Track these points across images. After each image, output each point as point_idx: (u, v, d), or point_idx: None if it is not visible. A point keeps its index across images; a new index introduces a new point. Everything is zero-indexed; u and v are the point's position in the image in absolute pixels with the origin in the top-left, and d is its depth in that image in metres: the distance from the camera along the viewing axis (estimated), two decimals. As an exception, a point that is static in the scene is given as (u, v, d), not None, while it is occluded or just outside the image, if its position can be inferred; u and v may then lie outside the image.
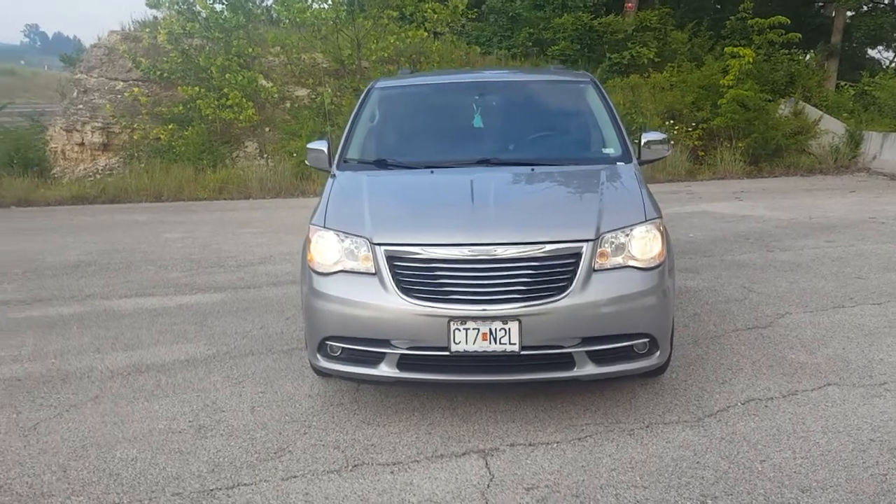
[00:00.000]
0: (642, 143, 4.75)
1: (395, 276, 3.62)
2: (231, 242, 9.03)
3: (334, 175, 4.55)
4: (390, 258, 3.65)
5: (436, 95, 5.36)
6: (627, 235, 3.74)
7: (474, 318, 3.52)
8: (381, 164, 4.64)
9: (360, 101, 5.17)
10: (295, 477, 3.37)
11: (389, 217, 3.90)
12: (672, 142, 4.95)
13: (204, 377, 4.61)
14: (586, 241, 3.64)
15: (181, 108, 16.07)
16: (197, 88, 15.85)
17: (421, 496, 3.18)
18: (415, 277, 3.61)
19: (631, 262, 3.72)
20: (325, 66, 17.49)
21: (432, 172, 4.41)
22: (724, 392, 4.21)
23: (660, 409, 4.00)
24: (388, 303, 3.61)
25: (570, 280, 3.58)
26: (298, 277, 6.92)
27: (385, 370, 3.70)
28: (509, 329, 3.52)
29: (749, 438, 3.64)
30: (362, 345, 3.72)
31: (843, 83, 22.19)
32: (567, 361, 3.64)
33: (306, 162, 5.11)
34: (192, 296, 6.57)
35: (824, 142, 15.83)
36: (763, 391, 4.21)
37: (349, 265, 3.78)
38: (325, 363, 3.85)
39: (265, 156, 16.69)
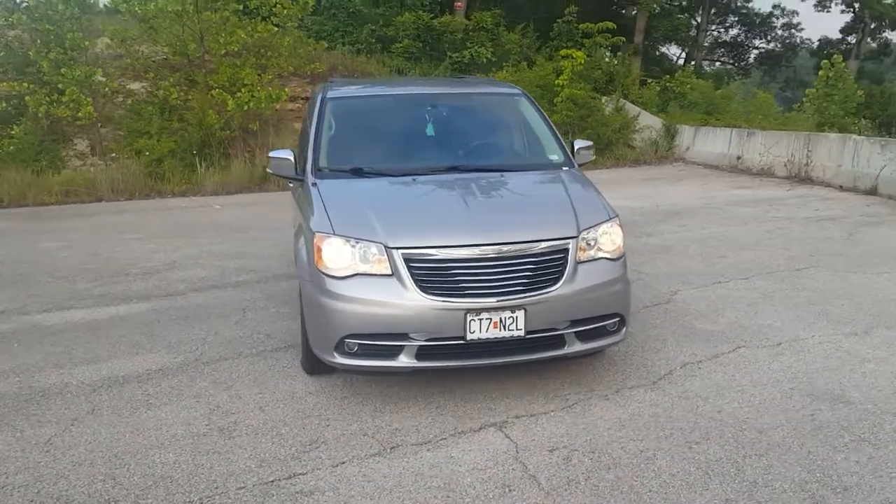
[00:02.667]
0: (575, 149, 5.46)
1: (413, 276, 4.05)
2: (120, 250, 8.78)
3: (315, 184, 4.84)
4: (407, 260, 4.07)
5: (390, 106, 5.76)
6: (597, 232, 4.42)
7: (488, 310, 4.04)
8: (357, 173, 4.98)
9: (317, 111, 5.45)
10: (343, 463, 3.73)
11: (398, 223, 4.29)
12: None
13: (190, 384, 4.75)
14: (571, 237, 4.28)
15: (3, 104, 14.93)
16: (25, 84, 14.78)
17: (466, 466, 3.67)
18: (432, 276, 4.06)
19: (601, 255, 4.41)
20: (164, 58, 16.92)
21: (414, 180, 4.84)
22: (661, 359, 5.03)
23: (619, 377, 4.73)
24: (409, 301, 4.03)
25: (562, 272, 4.20)
26: (219, 283, 7.10)
27: (404, 361, 4.12)
28: (517, 317, 4.08)
29: (700, 394, 4.46)
30: (382, 340, 4.12)
31: (649, 80, 24.63)
32: (560, 342, 4.27)
33: (269, 170, 5.32)
34: (118, 307, 6.49)
35: (646, 136, 17.68)
36: (691, 356, 5.07)
37: (362, 268, 4.15)
38: (342, 359, 4.19)
39: (107, 155, 15.89)
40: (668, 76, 24.49)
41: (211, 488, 3.53)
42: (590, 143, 5.63)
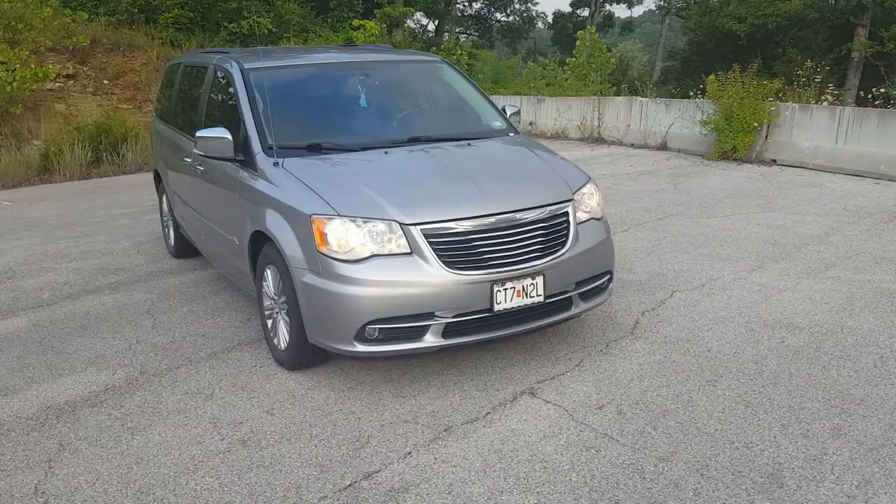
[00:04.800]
0: (508, 115, 5.51)
1: (436, 252, 3.88)
2: (-75, 260, 7.34)
3: (277, 163, 4.41)
4: (428, 236, 3.88)
5: (320, 76, 5.35)
6: (583, 194, 4.53)
7: (512, 279, 3.99)
8: (315, 149, 4.61)
9: (240, 84, 4.93)
10: (409, 453, 3.51)
11: (406, 198, 4.03)
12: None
13: (159, 399, 4.17)
14: (569, 200, 4.35)
15: None
16: None
17: (536, 435, 3.62)
18: (456, 251, 3.91)
19: (589, 216, 4.53)
20: None
21: (387, 153, 4.59)
22: (618, 310, 5.28)
23: (597, 332, 4.91)
24: (435, 278, 3.86)
25: (567, 234, 4.26)
26: (89, 287, 6.23)
27: (430, 340, 3.94)
28: (537, 283, 4.08)
29: (679, 338, 4.78)
30: (406, 322, 3.90)
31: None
32: (568, 304, 4.33)
33: (197, 151, 4.75)
34: (-16, 325, 5.47)
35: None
36: (641, 304, 5.40)
37: (374, 248, 3.89)
38: (363, 348, 3.92)
39: None
40: (434, 47, 25.18)
41: (287, 505, 3.16)
42: (517, 107, 5.70)
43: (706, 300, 5.45)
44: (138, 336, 5.14)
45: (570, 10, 45.14)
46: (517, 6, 45.88)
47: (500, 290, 3.96)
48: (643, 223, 7.89)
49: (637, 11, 75.87)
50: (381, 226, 3.90)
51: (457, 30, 43.98)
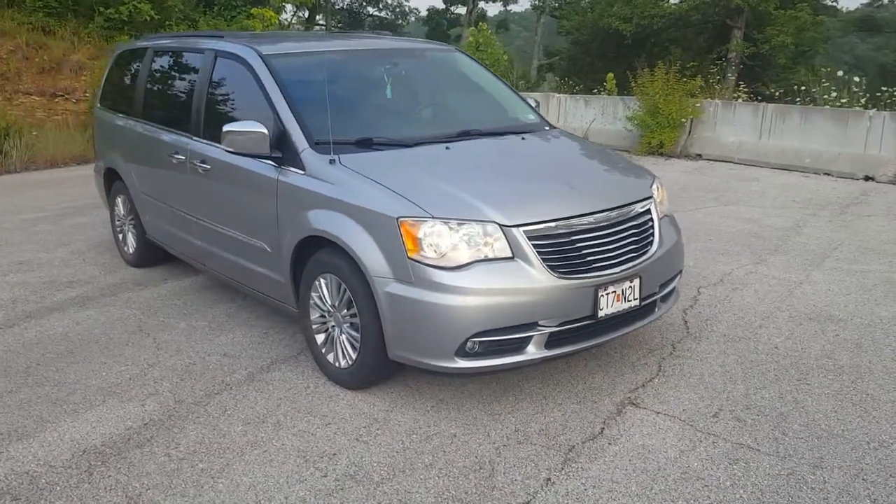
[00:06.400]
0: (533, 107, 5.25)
1: (541, 255, 3.56)
2: None
3: (333, 160, 3.92)
4: (531, 238, 3.56)
5: (345, 65, 4.82)
6: (654, 190, 4.34)
7: (614, 282, 3.74)
8: (364, 144, 4.15)
9: (268, 74, 4.39)
10: (550, 480, 3.18)
11: (501, 197, 3.66)
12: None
13: (220, 433, 3.60)
14: (650, 198, 4.14)
15: None
16: None
17: (672, 451, 3.36)
18: (560, 254, 3.61)
19: (663, 213, 4.34)
20: None
21: (448, 148, 4.19)
22: (664, 316, 5.10)
23: (654, 335, 4.73)
24: (541, 284, 3.54)
25: (654, 234, 4.06)
26: (48, 304, 5.43)
27: (533, 352, 3.62)
28: (634, 286, 3.84)
29: (739, 336, 4.68)
30: (509, 333, 3.56)
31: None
32: (653, 306, 4.13)
33: (228, 148, 4.17)
34: (-62, 354, 4.60)
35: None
36: (679, 305, 5.27)
37: (471, 253, 3.52)
38: (464, 363, 3.53)
39: None
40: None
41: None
42: (537, 100, 5.45)
43: (735, 296, 5.42)
44: (146, 359, 4.47)
45: (444, 6, 45.27)
46: (390, 1, 45.55)
47: (603, 295, 3.70)
48: (617, 219, 7.83)
49: (497, 9, 77.21)
50: (478, 228, 3.54)
51: (331, 22, 43.13)
